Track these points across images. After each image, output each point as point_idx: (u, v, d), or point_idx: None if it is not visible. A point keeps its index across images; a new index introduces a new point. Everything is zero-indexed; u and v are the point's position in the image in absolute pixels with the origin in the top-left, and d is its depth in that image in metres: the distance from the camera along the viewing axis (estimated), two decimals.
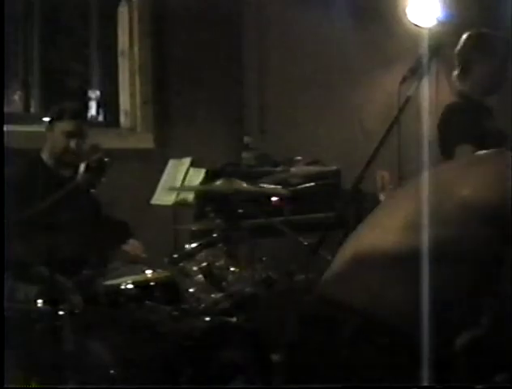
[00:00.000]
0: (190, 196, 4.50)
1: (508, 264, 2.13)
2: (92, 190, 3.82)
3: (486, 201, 2.18)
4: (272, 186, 4.19)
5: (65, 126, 3.86)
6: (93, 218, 3.99)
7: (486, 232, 2.14)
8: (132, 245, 4.01)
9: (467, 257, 2.13)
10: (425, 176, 2.41)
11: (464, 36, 3.75)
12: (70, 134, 3.86)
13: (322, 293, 2.27)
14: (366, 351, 2.10)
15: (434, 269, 2.11)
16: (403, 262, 2.15)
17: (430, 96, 3.67)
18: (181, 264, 3.73)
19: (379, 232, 2.25)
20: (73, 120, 3.88)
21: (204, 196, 4.52)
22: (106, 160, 3.68)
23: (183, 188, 4.47)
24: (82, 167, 3.67)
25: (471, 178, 2.26)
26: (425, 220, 2.12)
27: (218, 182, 3.84)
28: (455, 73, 3.76)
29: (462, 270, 2.13)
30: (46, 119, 3.94)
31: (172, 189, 4.47)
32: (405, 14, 4.97)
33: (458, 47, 3.75)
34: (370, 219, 2.38)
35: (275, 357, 3.01)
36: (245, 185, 3.83)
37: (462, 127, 3.56)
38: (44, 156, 3.93)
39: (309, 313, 2.28)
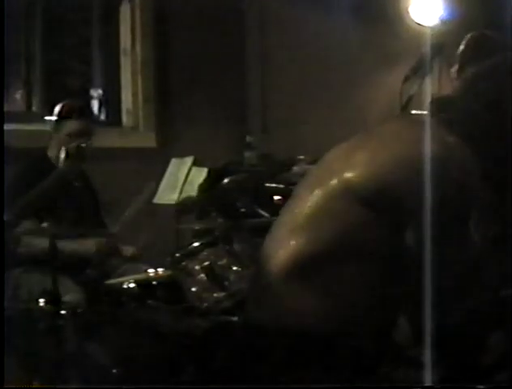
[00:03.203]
0: (193, 195, 4.50)
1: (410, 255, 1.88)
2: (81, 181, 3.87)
3: (365, 182, 1.92)
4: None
5: (72, 126, 3.87)
6: (89, 209, 4.01)
7: (373, 221, 1.88)
8: (126, 251, 4.03)
9: (363, 252, 1.90)
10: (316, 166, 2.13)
11: (466, 37, 3.77)
12: (78, 135, 3.86)
13: (249, 319, 2.11)
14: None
15: (337, 269, 1.91)
16: (306, 267, 1.94)
17: (432, 95, 3.66)
18: (183, 263, 3.73)
19: (276, 245, 2.03)
20: (80, 120, 3.89)
21: (206, 195, 4.52)
22: (83, 145, 3.74)
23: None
24: (62, 154, 3.71)
25: (356, 156, 1.99)
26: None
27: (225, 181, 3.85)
28: (453, 70, 3.77)
29: (364, 268, 1.90)
30: (51, 118, 3.95)
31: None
32: (407, 13, 4.95)
33: (460, 47, 3.76)
34: (272, 230, 2.14)
35: None
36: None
37: None
38: (50, 154, 3.94)
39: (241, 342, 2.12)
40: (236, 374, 2.08)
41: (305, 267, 1.94)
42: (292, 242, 1.98)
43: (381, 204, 1.89)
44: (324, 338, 1.92)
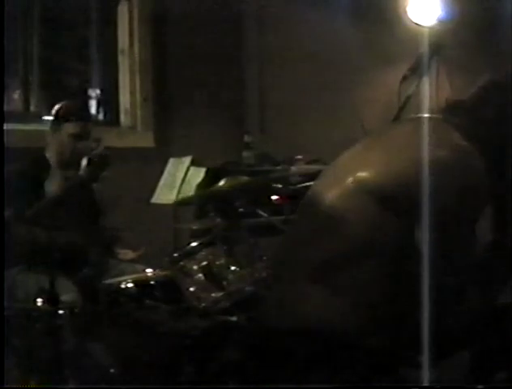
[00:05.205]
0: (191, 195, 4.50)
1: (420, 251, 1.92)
2: (93, 186, 3.86)
3: (381, 182, 1.97)
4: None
5: (72, 127, 3.86)
6: (93, 215, 4.01)
7: (385, 219, 1.92)
8: (125, 254, 4.03)
9: (378, 250, 1.92)
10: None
11: None
12: (77, 136, 3.86)
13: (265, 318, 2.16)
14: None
15: (355, 269, 1.94)
16: (327, 267, 2.00)
17: (430, 94, 3.67)
18: (181, 263, 3.72)
19: (297, 247, 2.08)
20: (80, 121, 3.88)
21: (205, 195, 4.52)
22: (108, 153, 3.71)
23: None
24: (84, 161, 3.68)
25: (367, 158, 2.03)
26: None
27: (222, 182, 3.85)
28: None
29: (378, 267, 1.92)
30: (49, 119, 3.94)
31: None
32: (405, 13, 4.96)
33: None
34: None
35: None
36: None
37: None
38: (48, 155, 3.93)
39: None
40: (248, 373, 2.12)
41: (326, 268, 1.99)
42: (313, 245, 2.03)
43: (396, 204, 1.92)
44: (341, 337, 1.97)
